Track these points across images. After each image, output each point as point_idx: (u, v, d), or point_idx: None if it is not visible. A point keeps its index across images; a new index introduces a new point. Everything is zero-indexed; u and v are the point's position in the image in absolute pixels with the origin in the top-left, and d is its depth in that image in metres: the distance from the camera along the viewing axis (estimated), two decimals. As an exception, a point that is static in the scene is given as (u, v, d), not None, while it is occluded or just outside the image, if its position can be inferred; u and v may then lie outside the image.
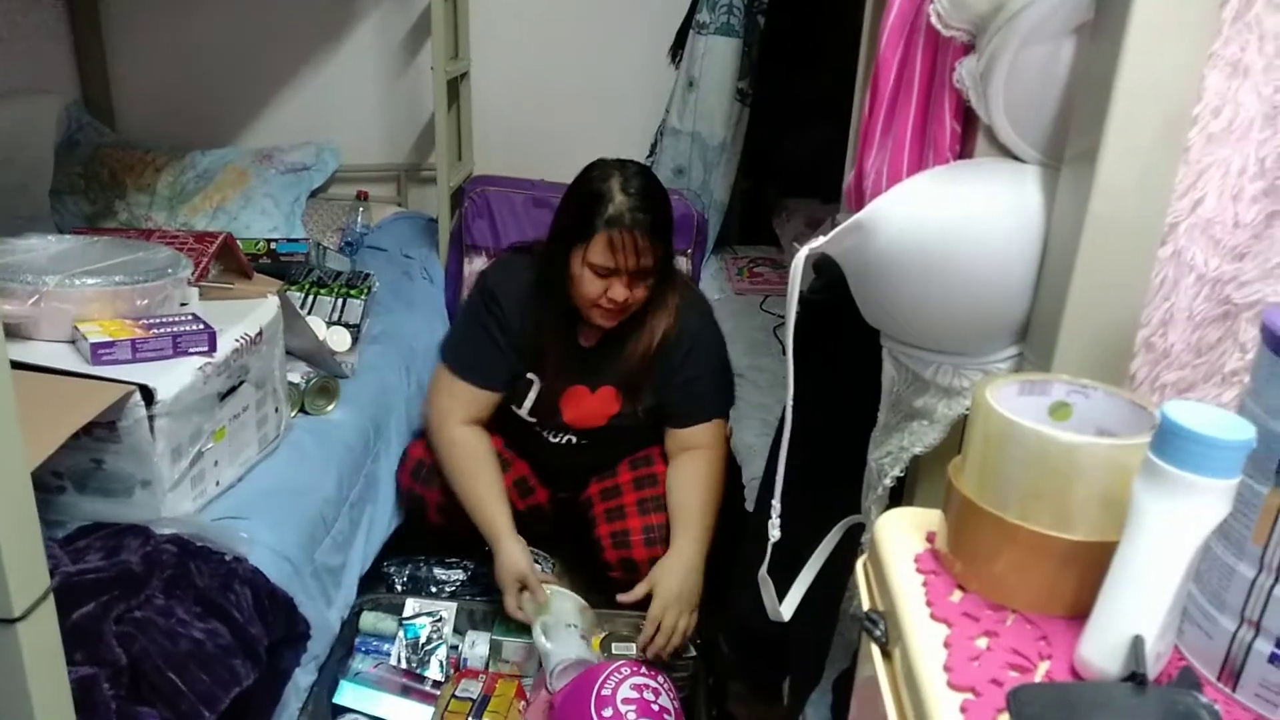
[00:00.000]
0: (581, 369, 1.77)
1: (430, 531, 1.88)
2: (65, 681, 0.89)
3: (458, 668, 1.71)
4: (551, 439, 1.86)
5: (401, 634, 1.70)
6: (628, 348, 1.74)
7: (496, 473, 1.75)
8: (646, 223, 1.60)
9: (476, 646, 1.71)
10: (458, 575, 1.86)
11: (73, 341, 1.29)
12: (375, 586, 1.79)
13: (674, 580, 1.63)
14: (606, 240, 1.59)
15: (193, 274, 1.48)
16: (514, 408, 1.82)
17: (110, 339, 1.26)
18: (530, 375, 1.80)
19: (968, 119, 0.86)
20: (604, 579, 1.79)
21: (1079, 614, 0.62)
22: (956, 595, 0.67)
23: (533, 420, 1.83)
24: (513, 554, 1.65)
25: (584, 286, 1.64)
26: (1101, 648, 0.57)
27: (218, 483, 1.39)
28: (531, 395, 1.80)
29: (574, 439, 1.84)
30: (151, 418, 1.23)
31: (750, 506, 1.46)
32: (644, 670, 1.52)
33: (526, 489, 1.90)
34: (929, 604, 0.66)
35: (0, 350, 0.82)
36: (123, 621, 1.05)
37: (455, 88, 2.49)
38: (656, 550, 1.72)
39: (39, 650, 0.85)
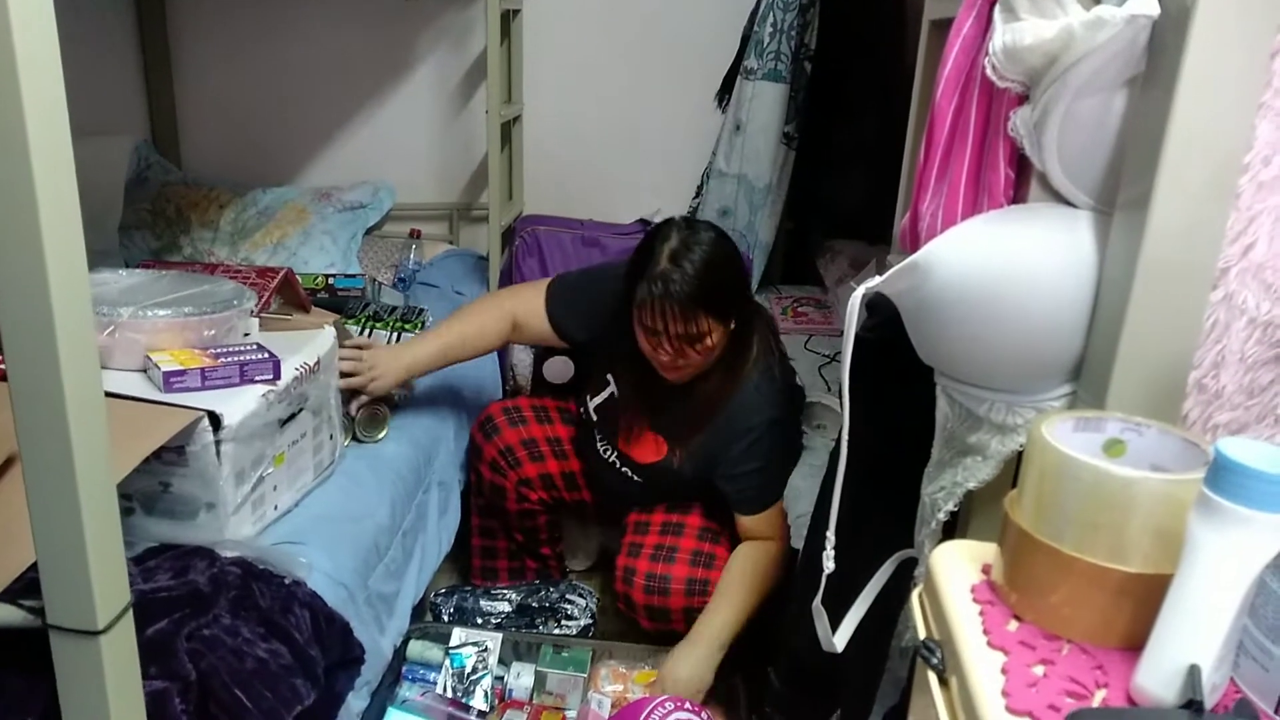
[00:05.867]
0: (651, 405, 1.78)
1: (509, 523, 1.97)
2: (140, 694, 0.93)
3: (502, 698, 1.72)
4: (605, 454, 1.88)
5: (448, 663, 1.72)
6: (688, 408, 1.73)
7: (472, 329, 1.82)
8: (684, 294, 1.55)
9: (521, 677, 1.73)
10: (503, 607, 1.88)
11: (144, 370, 1.34)
12: (422, 616, 1.82)
13: (683, 668, 1.64)
14: (649, 305, 1.58)
15: (256, 306, 1.54)
16: (588, 398, 1.88)
17: (182, 368, 1.30)
18: (609, 377, 1.83)
19: (1021, 166, 0.88)
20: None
21: (1133, 645, 0.63)
22: (1013, 625, 0.69)
23: (595, 420, 1.86)
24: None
25: (639, 340, 1.67)
26: (1158, 676, 0.59)
27: (276, 507, 1.43)
28: (602, 396, 1.85)
29: (619, 464, 1.86)
30: (218, 443, 1.27)
31: (797, 544, 1.47)
32: (688, 706, 1.53)
33: (573, 485, 1.97)
34: (986, 632, 0.68)
35: (95, 378, 0.88)
36: (192, 639, 1.08)
37: (508, 130, 2.56)
38: (654, 600, 1.72)
39: (118, 663, 0.89)
